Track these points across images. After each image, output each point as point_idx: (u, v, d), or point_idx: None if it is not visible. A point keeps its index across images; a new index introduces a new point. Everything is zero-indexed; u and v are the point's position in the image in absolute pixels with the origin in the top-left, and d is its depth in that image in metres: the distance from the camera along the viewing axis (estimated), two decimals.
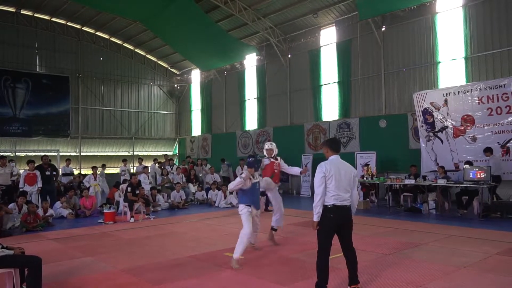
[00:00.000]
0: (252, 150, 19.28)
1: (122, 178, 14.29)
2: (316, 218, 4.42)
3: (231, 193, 13.57)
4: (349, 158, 14.84)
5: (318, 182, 4.43)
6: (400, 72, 14.47)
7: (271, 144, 7.52)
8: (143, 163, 16.15)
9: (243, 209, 6.19)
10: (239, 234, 5.97)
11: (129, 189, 11.15)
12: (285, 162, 7.52)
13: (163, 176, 14.93)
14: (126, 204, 10.95)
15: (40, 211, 9.94)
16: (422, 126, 12.28)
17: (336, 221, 4.39)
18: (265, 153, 7.49)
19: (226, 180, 17.20)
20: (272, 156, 7.38)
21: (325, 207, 4.40)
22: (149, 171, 14.69)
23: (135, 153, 23.44)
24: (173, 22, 17.80)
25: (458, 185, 10.27)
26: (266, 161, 7.32)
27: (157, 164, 16.44)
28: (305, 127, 17.30)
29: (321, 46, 17.11)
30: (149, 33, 21.03)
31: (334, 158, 4.62)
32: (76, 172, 17.63)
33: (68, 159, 15.36)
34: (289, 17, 17.21)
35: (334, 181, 4.38)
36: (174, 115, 25.58)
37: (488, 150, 10.67)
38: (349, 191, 4.47)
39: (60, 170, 15.01)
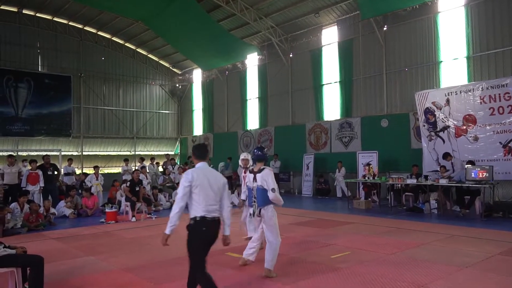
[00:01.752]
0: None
1: (124, 177, 14.27)
2: (169, 231, 3.87)
3: (232, 192, 13.57)
4: (351, 158, 14.92)
5: (182, 192, 3.93)
6: (402, 72, 14.44)
7: (247, 154, 7.35)
8: (143, 163, 16.13)
9: (274, 213, 5.35)
10: (269, 247, 5.22)
11: (128, 184, 11.17)
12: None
13: (165, 176, 14.94)
14: (128, 203, 10.96)
15: (42, 211, 9.96)
16: (424, 125, 12.25)
17: (209, 235, 3.91)
18: (240, 163, 7.29)
19: (229, 180, 17.22)
20: (247, 167, 7.16)
21: (194, 220, 3.88)
22: (147, 171, 14.65)
23: (136, 153, 23.46)
24: (175, 21, 17.80)
25: (460, 184, 10.25)
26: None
27: (155, 164, 16.38)
28: (307, 126, 17.28)
29: (323, 46, 17.10)
30: (151, 33, 21.05)
31: (201, 166, 4.11)
32: (78, 171, 17.64)
33: (70, 159, 15.38)
34: (290, 16, 17.20)
35: (202, 191, 3.92)
36: (176, 114, 25.59)
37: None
38: (218, 201, 4.02)
39: (62, 169, 15.04)
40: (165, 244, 3.92)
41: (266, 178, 5.24)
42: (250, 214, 5.51)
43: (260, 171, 5.34)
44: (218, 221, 4.00)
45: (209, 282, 3.87)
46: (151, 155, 23.66)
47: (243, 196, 7.34)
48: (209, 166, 4.29)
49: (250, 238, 7.43)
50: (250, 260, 5.75)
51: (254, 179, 5.37)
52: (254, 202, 5.36)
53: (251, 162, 7.23)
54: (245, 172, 7.25)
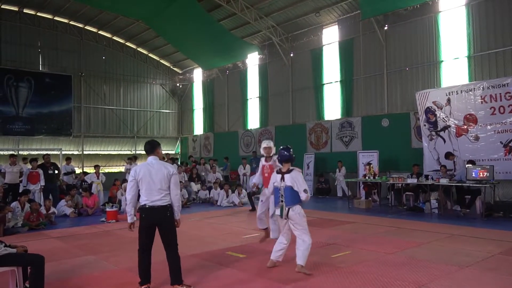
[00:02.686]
0: (254, 148, 19.28)
1: (127, 176, 14.19)
2: (129, 220, 4.75)
3: (233, 192, 13.59)
4: (352, 157, 14.92)
5: (128, 186, 4.70)
6: (403, 71, 14.43)
7: (270, 141, 7.03)
8: (136, 162, 15.92)
9: (303, 213, 5.30)
10: (302, 244, 5.22)
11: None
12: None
13: None
14: None
15: (42, 210, 9.97)
16: (425, 125, 12.25)
17: (148, 221, 4.57)
18: (263, 152, 7.01)
19: (226, 179, 17.19)
20: (270, 155, 6.90)
21: (140, 207, 4.64)
22: None
23: (137, 152, 23.47)
24: (176, 21, 17.80)
25: (461, 184, 10.24)
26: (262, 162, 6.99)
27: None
28: (307, 126, 17.28)
29: (324, 45, 17.09)
30: (152, 32, 21.05)
31: (148, 160, 4.73)
32: (78, 171, 17.63)
33: (68, 158, 15.35)
34: (291, 16, 17.19)
35: (144, 183, 4.55)
36: (176, 114, 25.60)
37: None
38: (164, 190, 4.56)
39: (62, 169, 15.02)
40: (131, 230, 4.78)
41: (296, 179, 5.21)
42: (277, 215, 5.38)
43: (289, 171, 5.30)
44: (163, 208, 4.56)
45: (141, 261, 4.62)
46: None
47: (255, 180, 7.15)
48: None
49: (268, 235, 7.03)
50: (279, 261, 5.63)
51: (282, 179, 5.29)
52: (282, 201, 5.26)
53: (274, 150, 6.93)
54: (266, 161, 6.92)
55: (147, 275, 4.64)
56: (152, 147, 4.78)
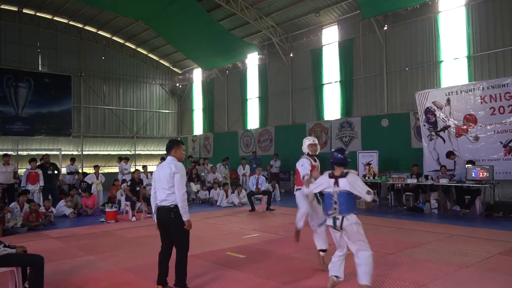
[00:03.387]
0: (254, 148, 19.28)
1: (123, 177, 14.07)
2: (155, 219, 4.78)
3: (232, 192, 13.58)
4: (351, 157, 14.72)
5: (152, 187, 4.87)
6: (403, 71, 14.43)
7: (314, 138, 5.83)
8: (128, 163, 15.78)
9: (359, 222, 4.50)
10: (362, 258, 4.45)
11: (128, 183, 11.17)
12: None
13: None
14: (128, 203, 10.96)
15: (42, 210, 9.96)
16: (424, 125, 12.25)
17: (158, 221, 4.69)
18: (308, 150, 5.77)
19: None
20: (316, 154, 5.74)
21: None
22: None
23: (137, 152, 23.49)
24: (175, 21, 17.81)
25: (460, 184, 10.24)
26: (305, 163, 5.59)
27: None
28: (307, 126, 17.27)
29: (323, 45, 17.09)
30: (151, 32, 21.05)
31: (166, 160, 4.77)
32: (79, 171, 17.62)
33: (72, 158, 15.33)
34: (291, 16, 17.19)
35: (157, 183, 4.69)
36: (176, 114, 25.59)
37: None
38: (167, 190, 4.54)
39: (65, 169, 15.02)
40: (157, 228, 4.79)
41: (355, 183, 4.46)
42: (330, 226, 4.58)
43: (344, 175, 4.52)
44: (168, 209, 4.55)
45: (158, 261, 4.70)
46: (152, 154, 23.82)
47: (305, 189, 5.48)
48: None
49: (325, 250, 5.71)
50: (341, 278, 4.79)
51: (336, 183, 4.52)
52: (335, 209, 4.47)
53: (319, 148, 5.97)
54: (315, 160, 5.78)
55: (162, 277, 4.66)
56: (169, 147, 4.78)
